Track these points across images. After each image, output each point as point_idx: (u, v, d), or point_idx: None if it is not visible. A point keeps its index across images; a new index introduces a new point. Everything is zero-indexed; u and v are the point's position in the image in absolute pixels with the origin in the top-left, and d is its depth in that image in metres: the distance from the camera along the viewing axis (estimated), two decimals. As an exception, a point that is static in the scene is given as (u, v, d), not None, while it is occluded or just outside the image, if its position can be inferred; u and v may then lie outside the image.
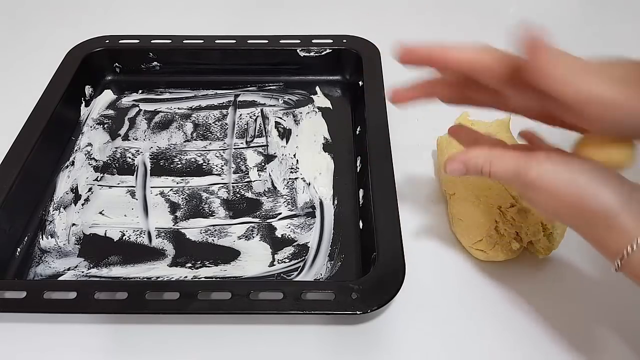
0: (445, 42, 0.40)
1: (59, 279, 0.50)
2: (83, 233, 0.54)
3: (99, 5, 0.86)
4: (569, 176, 0.37)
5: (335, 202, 0.56)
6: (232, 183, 0.58)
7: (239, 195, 0.57)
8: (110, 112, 0.67)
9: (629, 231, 0.35)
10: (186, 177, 0.59)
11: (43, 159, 0.58)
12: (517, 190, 0.38)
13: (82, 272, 0.50)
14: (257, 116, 0.66)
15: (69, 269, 0.51)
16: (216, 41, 0.69)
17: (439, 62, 0.41)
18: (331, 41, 0.69)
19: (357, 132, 0.62)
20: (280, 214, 0.55)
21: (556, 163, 0.37)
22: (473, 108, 0.44)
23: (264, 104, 0.68)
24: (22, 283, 0.48)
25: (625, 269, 0.36)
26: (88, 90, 0.68)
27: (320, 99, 0.69)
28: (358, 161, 0.59)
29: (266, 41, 0.69)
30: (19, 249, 0.52)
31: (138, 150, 0.62)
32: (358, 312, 0.43)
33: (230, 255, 0.52)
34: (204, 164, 0.60)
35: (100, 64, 0.70)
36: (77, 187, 0.58)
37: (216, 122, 0.65)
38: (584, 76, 0.35)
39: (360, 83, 0.65)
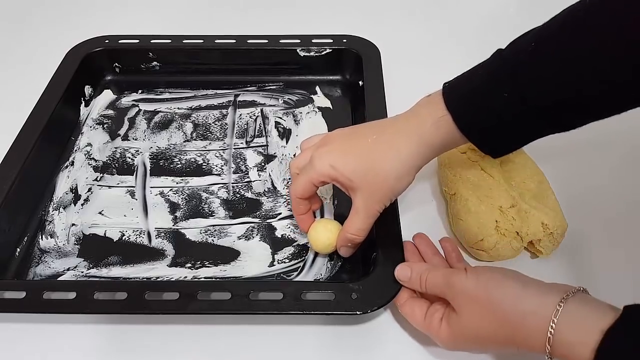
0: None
1: (59, 279, 0.50)
2: (83, 233, 0.54)
3: (99, 5, 0.86)
4: (482, 285, 0.40)
5: (335, 202, 0.56)
6: (232, 183, 0.58)
7: (238, 196, 0.57)
8: (110, 112, 0.67)
9: (544, 317, 0.36)
10: (186, 177, 0.59)
11: (43, 159, 0.58)
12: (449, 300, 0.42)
13: (82, 272, 0.50)
14: (257, 116, 0.66)
15: (68, 269, 0.51)
16: (216, 41, 0.69)
17: (302, 204, 0.49)
18: (331, 41, 0.69)
19: (357, 132, 0.62)
20: (280, 214, 0.55)
21: (471, 274, 0.41)
22: None
23: (264, 103, 0.68)
24: (21, 283, 0.48)
25: (556, 353, 0.36)
26: (88, 90, 0.68)
27: (320, 99, 0.69)
28: (358, 161, 0.59)
29: (266, 41, 0.69)
30: (18, 249, 0.52)
31: (138, 150, 0.62)
32: (358, 313, 0.43)
33: (230, 255, 0.52)
34: (204, 164, 0.60)
35: (100, 64, 0.70)
36: (76, 187, 0.58)
37: (216, 122, 0.65)
38: None
39: (360, 83, 0.65)
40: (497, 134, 0.43)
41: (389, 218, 0.49)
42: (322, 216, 0.55)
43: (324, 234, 0.49)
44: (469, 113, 0.43)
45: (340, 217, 0.55)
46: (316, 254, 0.52)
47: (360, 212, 0.45)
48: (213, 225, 0.54)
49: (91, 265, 0.51)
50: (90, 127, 0.65)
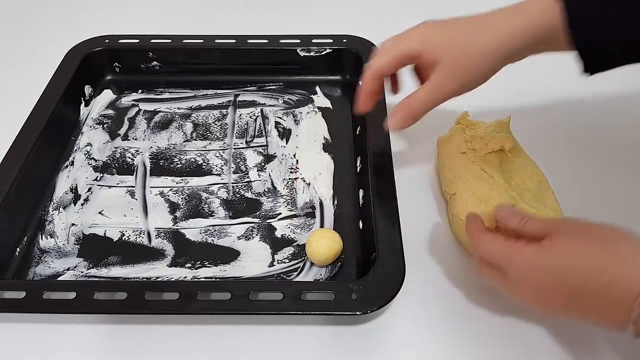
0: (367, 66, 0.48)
1: (59, 279, 0.50)
2: (82, 233, 0.54)
3: (99, 5, 0.86)
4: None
5: (335, 202, 0.56)
6: (232, 183, 0.58)
7: (238, 196, 0.57)
8: (110, 112, 0.67)
9: (629, 290, 0.34)
10: (186, 177, 0.59)
11: (43, 159, 0.58)
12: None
13: (82, 272, 0.50)
14: (257, 116, 0.66)
15: (68, 269, 0.51)
16: (216, 41, 0.69)
17: (376, 82, 0.49)
18: (331, 41, 0.69)
19: (357, 132, 0.62)
20: (280, 214, 0.55)
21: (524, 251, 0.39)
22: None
23: (264, 103, 0.68)
24: (21, 283, 0.48)
25: None
26: (88, 90, 0.68)
27: (320, 99, 0.69)
28: (358, 161, 0.59)
29: (266, 41, 0.69)
30: (18, 249, 0.52)
31: (138, 150, 0.62)
32: (358, 313, 0.43)
33: (230, 255, 0.52)
34: (204, 164, 0.60)
35: (100, 64, 0.70)
36: (76, 187, 0.58)
37: (216, 122, 0.65)
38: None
39: (360, 83, 0.65)
40: (605, 37, 0.40)
41: (389, 218, 0.49)
42: (321, 216, 0.55)
43: (322, 246, 0.49)
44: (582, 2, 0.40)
45: (341, 217, 0.55)
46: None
47: (431, 83, 0.44)
48: (213, 225, 0.54)
49: (91, 265, 0.51)
50: (90, 127, 0.65)
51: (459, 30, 0.44)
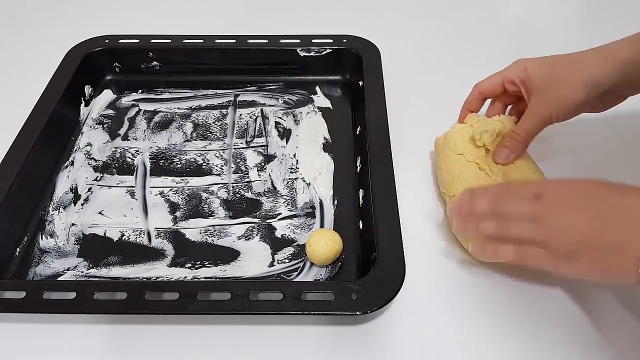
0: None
1: (59, 279, 0.50)
2: (82, 233, 0.54)
3: (99, 5, 0.86)
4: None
5: (335, 202, 0.56)
6: (232, 183, 0.58)
7: (238, 196, 0.57)
8: (110, 111, 0.67)
9: None
10: (186, 177, 0.59)
11: (43, 159, 0.58)
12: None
13: (82, 272, 0.50)
14: (257, 116, 0.66)
15: (68, 269, 0.51)
16: (216, 41, 0.69)
17: (480, 102, 0.57)
18: (331, 41, 0.69)
19: (357, 132, 0.62)
20: (280, 214, 0.55)
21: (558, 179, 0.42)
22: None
23: (264, 104, 0.68)
24: (21, 283, 0.48)
25: None
26: (88, 90, 0.68)
27: (320, 99, 0.69)
28: (358, 161, 0.59)
29: (266, 41, 0.69)
30: (18, 249, 0.52)
31: (138, 150, 0.62)
32: (358, 313, 0.43)
33: (230, 255, 0.52)
34: (204, 164, 0.60)
35: (100, 64, 0.70)
36: (76, 187, 0.58)
37: (216, 122, 0.65)
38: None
39: (360, 83, 0.65)
40: None
41: (389, 218, 0.49)
42: (321, 216, 0.55)
43: (322, 246, 0.49)
44: None
45: (341, 217, 0.55)
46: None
47: (530, 112, 0.49)
48: (213, 225, 0.54)
49: (91, 265, 0.51)
50: (90, 126, 0.65)
51: (554, 63, 0.50)
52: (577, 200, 0.39)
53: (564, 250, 0.39)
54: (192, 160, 0.61)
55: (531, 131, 0.50)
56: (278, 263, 0.51)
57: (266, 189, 0.58)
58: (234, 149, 0.62)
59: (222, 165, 0.60)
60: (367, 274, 0.46)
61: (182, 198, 0.57)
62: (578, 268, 0.39)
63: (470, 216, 0.45)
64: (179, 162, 0.61)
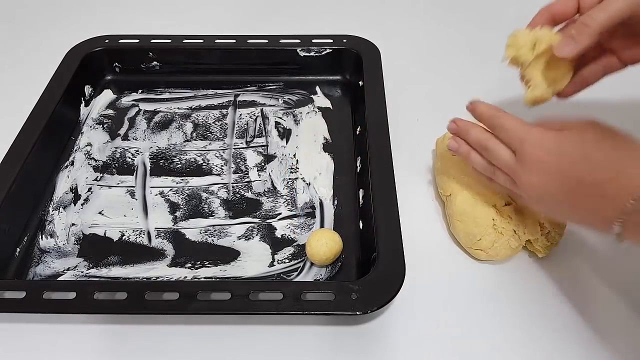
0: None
1: (59, 279, 0.50)
2: (82, 233, 0.54)
3: (99, 5, 0.86)
4: (556, 145, 0.40)
5: (335, 202, 0.56)
6: (232, 183, 0.58)
7: (238, 195, 0.57)
8: (110, 111, 0.67)
9: (628, 186, 0.35)
10: (186, 177, 0.59)
11: (43, 159, 0.58)
12: (511, 174, 0.44)
13: (82, 272, 0.50)
14: (257, 116, 0.66)
15: (68, 269, 0.51)
16: (216, 41, 0.69)
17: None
18: (331, 41, 0.69)
19: (357, 132, 0.62)
20: (280, 214, 0.55)
21: (544, 133, 0.41)
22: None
23: (264, 103, 0.68)
24: (21, 283, 0.48)
25: (627, 229, 0.35)
26: (88, 90, 0.68)
27: (320, 99, 0.69)
28: (358, 161, 0.59)
29: (266, 41, 0.69)
30: (18, 249, 0.52)
31: (138, 150, 0.62)
32: (358, 313, 0.43)
33: (230, 255, 0.52)
34: (204, 164, 0.60)
35: (100, 64, 0.70)
36: (76, 187, 0.58)
37: (216, 122, 0.65)
38: None
39: (360, 83, 0.65)
40: None
41: (389, 218, 0.49)
42: (321, 216, 0.55)
43: (322, 246, 0.49)
44: None
45: (341, 217, 0.55)
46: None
47: (606, 1, 0.42)
48: (213, 225, 0.54)
49: (91, 265, 0.51)
50: (90, 126, 0.65)
51: None
52: (547, 167, 0.40)
53: (534, 202, 0.43)
54: (192, 160, 0.61)
55: (604, 22, 0.42)
56: (278, 263, 0.51)
57: (266, 189, 0.58)
58: (234, 149, 0.62)
59: (222, 165, 0.60)
60: (367, 274, 0.46)
61: (182, 198, 0.57)
62: (545, 210, 0.43)
63: (464, 143, 0.48)
64: (179, 162, 0.61)
